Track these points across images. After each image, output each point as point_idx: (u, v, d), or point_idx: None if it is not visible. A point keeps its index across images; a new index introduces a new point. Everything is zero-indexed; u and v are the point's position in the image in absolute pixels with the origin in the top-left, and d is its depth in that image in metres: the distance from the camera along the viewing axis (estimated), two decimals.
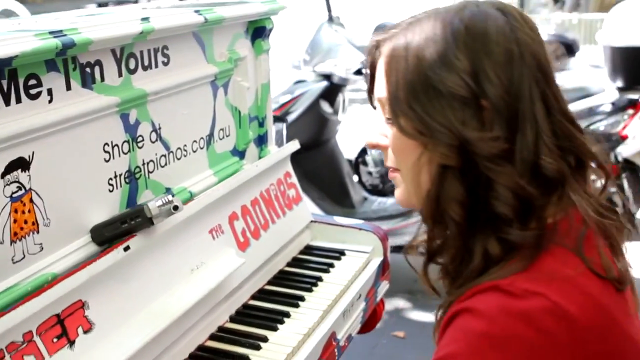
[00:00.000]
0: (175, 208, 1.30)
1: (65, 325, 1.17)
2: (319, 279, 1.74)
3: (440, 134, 0.87)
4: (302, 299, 1.64)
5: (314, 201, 3.50)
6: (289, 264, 1.82)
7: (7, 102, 1.13)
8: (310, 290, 1.68)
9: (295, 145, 1.94)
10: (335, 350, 1.59)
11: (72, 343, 1.17)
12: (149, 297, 1.34)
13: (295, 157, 1.93)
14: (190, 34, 1.59)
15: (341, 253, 1.87)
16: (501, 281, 0.82)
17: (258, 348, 1.44)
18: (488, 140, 0.84)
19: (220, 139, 1.76)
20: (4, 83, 1.12)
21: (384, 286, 1.92)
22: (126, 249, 1.28)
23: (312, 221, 1.96)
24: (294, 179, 1.94)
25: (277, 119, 3.41)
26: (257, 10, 1.78)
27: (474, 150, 0.85)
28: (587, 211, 0.88)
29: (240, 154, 1.84)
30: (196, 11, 1.57)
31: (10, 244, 1.16)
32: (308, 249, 1.90)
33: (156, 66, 1.49)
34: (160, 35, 1.46)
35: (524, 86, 0.86)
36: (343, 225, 1.94)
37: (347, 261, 1.83)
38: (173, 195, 1.36)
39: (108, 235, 1.31)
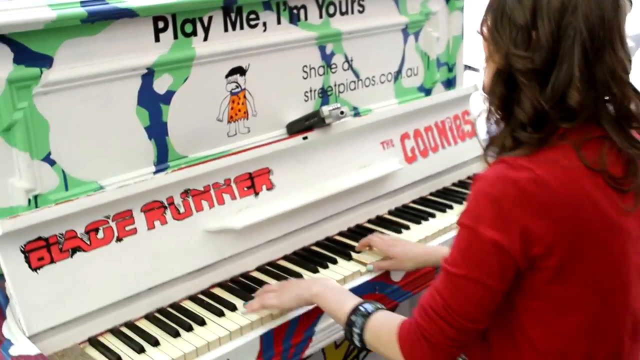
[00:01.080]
0: (342, 113, 1.79)
1: (254, 181, 1.73)
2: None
3: (497, 45, 1.21)
4: (450, 207, 2.03)
5: None
6: (453, 184, 2.20)
7: (234, 28, 1.71)
8: (460, 202, 2.06)
9: (472, 88, 2.30)
10: None
11: (257, 194, 1.73)
12: (320, 176, 1.85)
13: None
14: None
15: None
16: (507, 158, 1.16)
17: (399, 232, 1.88)
18: (522, 58, 1.15)
19: (408, 77, 2.19)
20: (232, 15, 1.70)
21: None
22: (304, 138, 1.81)
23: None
24: (472, 118, 2.30)
25: None
26: None
27: (512, 63, 1.18)
28: (613, 132, 1.16)
29: (426, 91, 2.26)
30: None
31: (227, 123, 1.75)
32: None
33: (352, 13, 1.97)
34: None
35: (567, 35, 1.12)
36: None
37: None
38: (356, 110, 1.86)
39: (295, 129, 1.84)
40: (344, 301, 1.36)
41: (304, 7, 1.85)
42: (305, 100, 1.92)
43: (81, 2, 1.42)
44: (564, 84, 1.13)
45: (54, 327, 1.39)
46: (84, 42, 1.45)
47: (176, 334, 1.43)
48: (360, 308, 1.32)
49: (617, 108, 1.16)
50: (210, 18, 1.65)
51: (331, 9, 1.92)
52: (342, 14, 1.95)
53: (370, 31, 2.02)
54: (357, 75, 2.03)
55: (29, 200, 1.44)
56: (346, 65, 2.00)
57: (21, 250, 1.36)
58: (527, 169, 1.12)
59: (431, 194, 2.13)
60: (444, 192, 2.15)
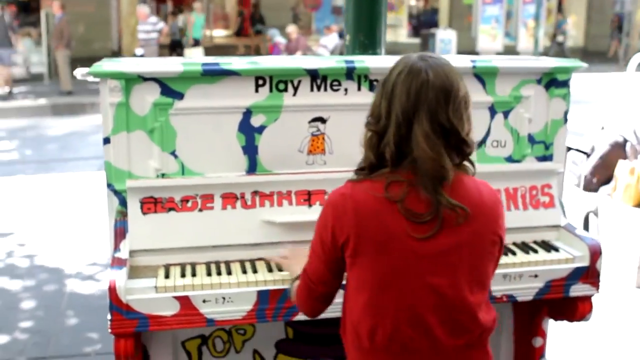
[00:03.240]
0: None
1: (311, 197, 2.44)
2: (514, 253, 2.46)
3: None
4: None
5: None
6: (514, 243, 2.55)
7: (318, 90, 2.47)
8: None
9: (554, 165, 2.61)
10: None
11: (310, 206, 2.43)
12: None
13: None
14: (470, 73, 2.55)
15: (555, 249, 2.50)
16: (347, 182, 1.76)
17: None
18: (370, 124, 1.74)
19: (494, 147, 2.65)
20: (318, 80, 2.46)
21: (585, 289, 2.43)
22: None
23: (560, 226, 2.59)
24: (553, 192, 2.61)
25: None
26: (536, 65, 2.58)
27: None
28: (419, 180, 1.68)
29: (515, 162, 2.67)
30: (472, 61, 2.54)
31: (307, 155, 2.51)
32: (542, 242, 2.57)
33: None
34: None
35: (392, 110, 1.68)
36: (572, 232, 2.52)
37: (549, 254, 2.46)
38: None
39: None
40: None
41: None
42: None
43: (202, 64, 2.36)
44: (385, 144, 1.71)
45: (146, 250, 2.32)
46: (205, 87, 2.38)
47: (208, 274, 2.25)
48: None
49: (420, 165, 1.67)
50: (299, 81, 2.45)
51: None
52: None
53: None
54: None
55: (157, 176, 2.41)
56: None
57: (139, 201, 2.33)
58: (345, 189, 1.73)
59: None
60: None
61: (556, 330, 3.77)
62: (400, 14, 24.75)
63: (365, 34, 2.88)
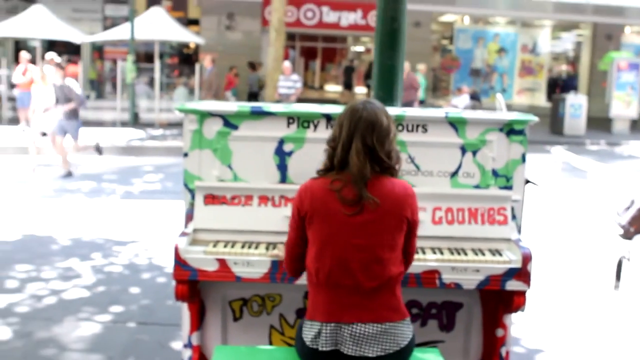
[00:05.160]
0: None
1: None
2: (466, 254, 3.33)
3: None
4: (441, 252, 3.33)
5: None
6: (472, 249, 3.41)
7: (332, 127, 3.51)
8: (452, 253, 3.33)
9: (508, 193, 3.46)
10: (437, 281, 3.24)
11: None
12: None
13: None
14: (445, 121, 3.49)
15: (500, 254, 3.34)
16: (310, 179, 2.79)
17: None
18: (328, 143, 2.78)
19: (464, 177, 3.54)
20: (332, 121, 3.50)
21: (517, 285, 3.23)
22: None
23: (511, 240, 3.42)
24: (507, 213, 3.45)
25: None
26: (498, 117, 3.47)
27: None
28: (351, 180, 2.68)
29: (482, 189, 3.54)
30: (446, 112, 3.48)
31: None
32: (494, 250, 3.41)
33: (417, 131, 3.50)
34: (417, 120, 3.47)
35: (340, 137, 2.72)
36: (517, 245, 3.34)
37: (493, 257, 3.30)
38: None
39: None
40: None
41: None
42: None
43: (251, 107, 3.48)
44: (335, 155, 2.73)
45: (204, 229, 3.43)
46: (253, 122, 3.49)
47: (242, 247, 3.32)
48: None
49: (351, 169, 2.67)
50: (318, 121, 3.50)
51: (399, 127, 3.50)
52: (408, 131, 3.50)
53: (431, 144, 3.50)
54: (417, 167, 3.53)
55: (217, 180, 3.53)
56: (409, 160, 3.52)
57: (203, 196, 3.46)
58: (308, 182, 2.77)
59: (447, 249, 3.42)
60: (451, 248, 3.40)
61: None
62: (540, 79, 25.17)
63: (384, 90, 3.88)
